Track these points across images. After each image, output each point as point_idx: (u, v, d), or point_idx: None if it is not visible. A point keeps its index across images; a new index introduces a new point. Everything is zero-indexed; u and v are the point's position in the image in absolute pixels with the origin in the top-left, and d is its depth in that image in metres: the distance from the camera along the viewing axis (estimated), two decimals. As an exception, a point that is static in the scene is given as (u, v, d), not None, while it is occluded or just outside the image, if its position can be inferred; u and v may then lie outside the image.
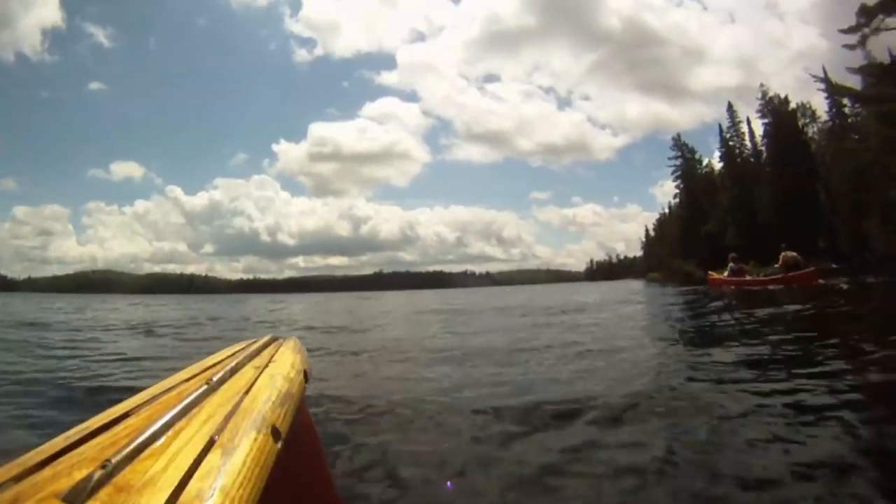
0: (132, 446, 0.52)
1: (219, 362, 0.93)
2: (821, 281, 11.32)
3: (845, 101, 27.37)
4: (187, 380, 0.83)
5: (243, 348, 1.01)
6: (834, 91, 23.14)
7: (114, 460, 0.49)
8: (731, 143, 35.90)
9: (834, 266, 23.67)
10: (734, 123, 35.94)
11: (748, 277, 13.67)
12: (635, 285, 26.06)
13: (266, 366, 0.85)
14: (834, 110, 29.02)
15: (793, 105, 31.55)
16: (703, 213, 36.88)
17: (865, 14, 17.94)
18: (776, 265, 13.04)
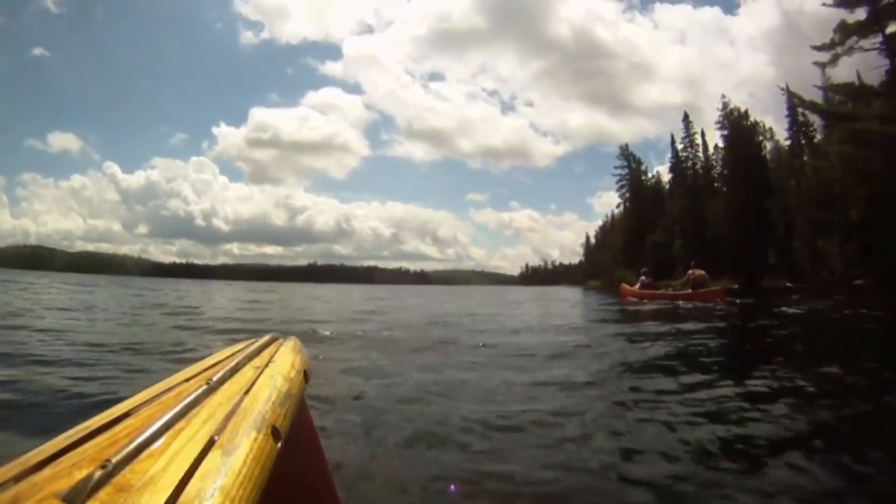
0: (132, 446, 0.52)
1: (219, 362, 0.93)
2: (729, 299, 11.62)
3: (807, 118, 27.62)
4: (187, 380, 0.83)
5: (243, 348, 1.01)
6: (803, 105, 23.30)
7: (114, 460, 0.49)
8: (683, 153, 36.25)
9: (789, 285, 24.00)
10: (689, 134, 36.32)
11: (659, 291, 14.05)
12: (571, 293, 25.73)
13: (266, 366, 0.85)
14: (794, 129, 29.40)
15: (752, 120, 31.96)
16: (649, 223, 37.04)
17: (843, 32, 18.25)
18: (681, 281, 13.62)
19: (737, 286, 20.91)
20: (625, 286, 15.90)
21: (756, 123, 31.85)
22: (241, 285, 38.93)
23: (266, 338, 1.09)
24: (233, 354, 0.96)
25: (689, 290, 12.51)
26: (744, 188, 29.17)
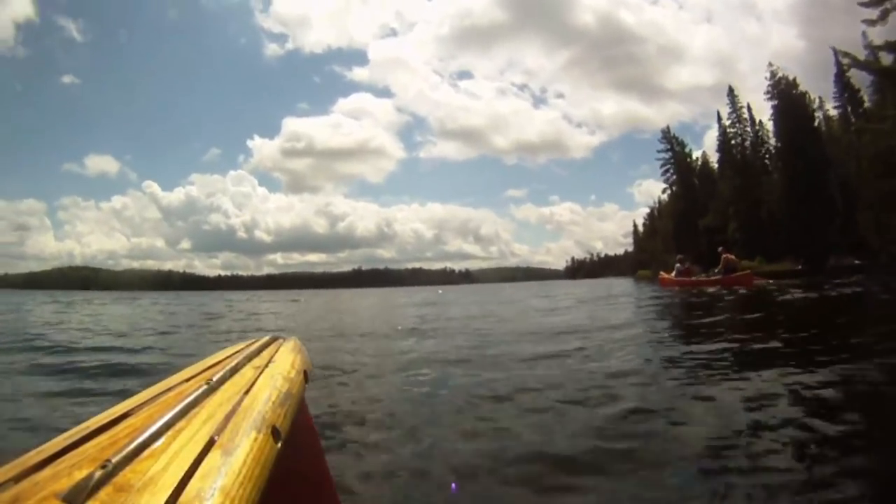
0: (132, 446, 0.52)
1: (219, 362, 0.93)
2: (757, 282, 11.77)
3: (852, 85, 25.55)
4: (187, 380, 0.83)
5: (243, 348, 1.01)
6: (858, 66, 21.62)
7: (114, 460, 0.49)
8: (731, 130, 33.63)
9: (857, 262, 22.14)
10: (735, 109, 33.54)
11: (694, 278, 14.09)
12: (625, 285, 23.60)
13: (266, 366, 0.85)
14: (845, 95, 27.28)
15: (800, 90, 29.34)
16: (699, 207, 34.62)
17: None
18: (716, 269, 13.55)
19: (800, 267, 20.19)
20: (663, 275, 16.09)
21: (805, 93, 29.36)
22: (286, 294, 38.42)
23: (266, 338, 1.09)
24: (233, 354, 0.96)
25: (722, 276, 12.57)
26: (800, 162, 26.93)
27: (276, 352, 0.96)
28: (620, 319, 6.90)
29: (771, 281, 11.75)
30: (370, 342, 5.67)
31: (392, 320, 8.95)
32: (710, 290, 11.29)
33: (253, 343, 1.05)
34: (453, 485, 1.63)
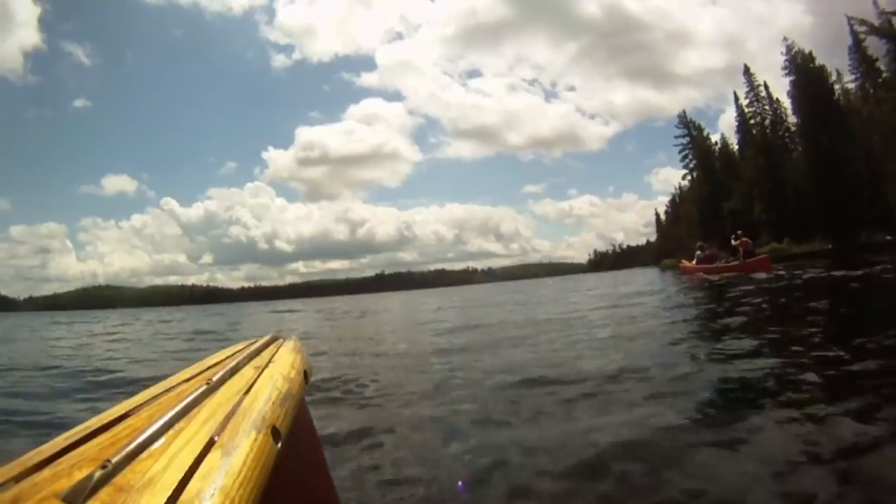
0: (132, 446, 0.52)
1: (219, 362, 0.93)
2: (774, 267, 11.86)
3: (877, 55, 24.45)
4: (187, 380, 0.83)
5: (243, 348, 1.01)
6: (877, 33, 20.68)
7: (114, 460, 0.49)
8: (749, 109, 32.49)
9: (888, 238, 21.39)
10: (753, 88, 32.32)
11: (713, 265, 14.15)
12: (651, 275, 21.90)
13: (266, 366, 0.85)
14: (863, 66, 26.24)
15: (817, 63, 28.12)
16: (723, 190, 33.48)
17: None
18: (734, 247, 13.65)
19: (830, 246, 19.47)
20: (685, 262, 16.22)
21: (823, 66, 28.16)
22: (313, 302, 37.75)
23: (266, 338, 1.09)
24: (233, 354, 0.96)
25: (741, 261, 12.69)
26: (823, 137, 25.89)
27: (276, 352, 0.96)
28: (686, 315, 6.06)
29: (781, 268, 11.59)
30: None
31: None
32: (731, 274, 11.35)
33: (253, 343, 1.06)
34: (460, 483, 1.62)
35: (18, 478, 0.51)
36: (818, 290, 7.04)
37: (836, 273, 8.54)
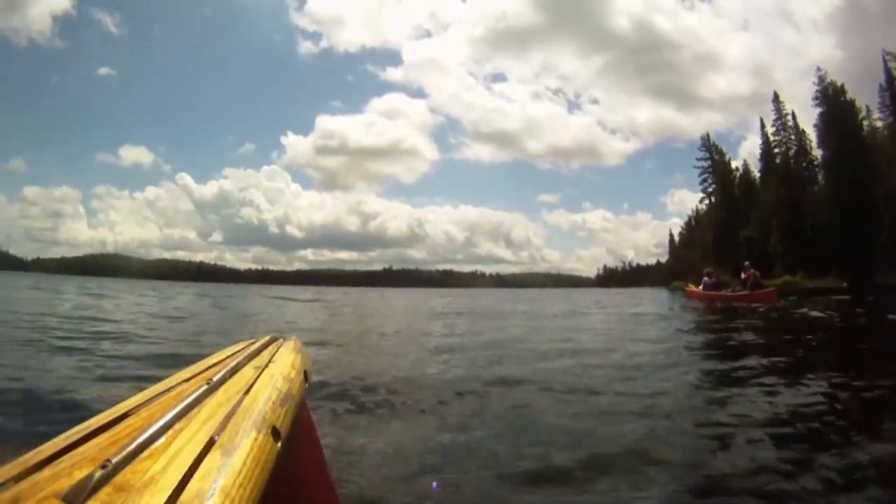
0: (132, 446, 0.52)
1: (219, 362, 0.93)
2: (783, 301, 11.88)
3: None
4: (187, 380, 0.83)
5: (243, 348, 1.01)
6: None
7: (114, 460, 0.49)
8: (775, 138, 32.19)
9: None
10: (780, 116, 31.92)
11: (720, 293, 14.17)
12: (662, 296, 21.22)
13: (266, 366, 0.85)
14: (894, 103, 25.89)
15: (848, 97, 27.79)
16: (740, 217, 33.18)
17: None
18: (742, 278, 13.61)
19: (844, 284, 19.10)
20: (691, 288, 16.25)
21: (853, 100, 27.75)
22: (328, 290, 36.87)
23: (266, 338, 1.09)
24: (233, 354, 0.96)
25: (748, 291, 12.75)
26: (847, 172, 25.52)
27: (277, 352, 0.96)
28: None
29: (787, 302, 11.58)
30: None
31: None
32: (735, 304, 11.41)
33: (253, 343, 1.05)
34: (434, 484, 1.63)
35: (18, 478, 0.51)
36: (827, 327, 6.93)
37: (837, 312, 8.40)
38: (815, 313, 8.23)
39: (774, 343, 5.30)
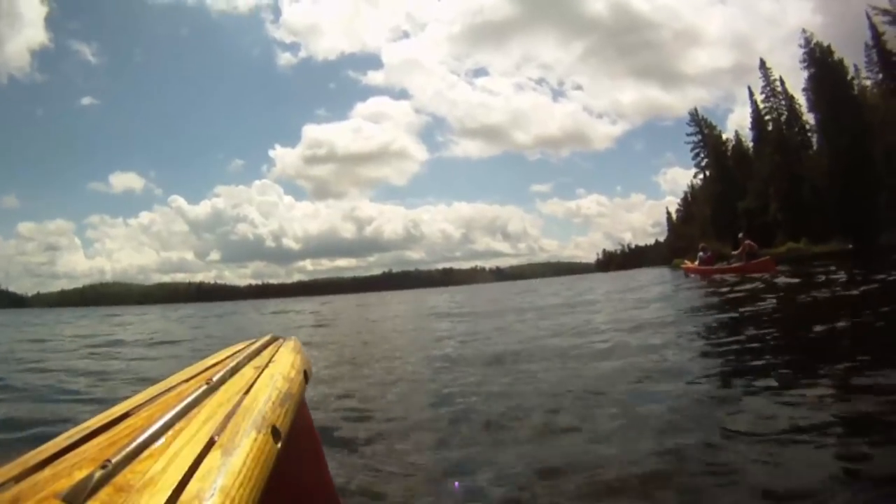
0: (132, 446, 0.52)
1: (219, 362, 0.93)
2: (779, 268, 11.74)
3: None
4: (187, 380, 0.83)
5: (243, 348, 1.01)
6: None
7: (114, 460, 0.49)
8: (764, 105, 31.63)
9: None
10: (769, 83, 31.33)
11: (715, 266, 14.10)
12: (667, 275, 19.92)
13: (266, 366, 0.85)
14: (882, 59, 25.54)
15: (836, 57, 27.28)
16: (737, 189, 32.57)
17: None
18: (735, 253, 13.63)
19: (850, 247, 18.70)
20: (686, 263, 16.31)
21: (842, 60, 27.32)
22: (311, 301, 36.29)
23: (266, 338, 1.09)
24: (233, 354, 0.96)
25: (743, 263, 12.69)
26: (842, 133, 25.10)
27: (276, 352, 0.96)
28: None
29: (785, 269, 11.48)
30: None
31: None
32: (731, 277, 11.26)
33: (253, 343, 1.05)
34: (456, 484, 1.62)
35: (18, 478, 0.51)
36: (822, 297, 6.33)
37: (840, 277, 7.94)
38: (820, 278, 7.80)
39: (764, 316, 4.98)
